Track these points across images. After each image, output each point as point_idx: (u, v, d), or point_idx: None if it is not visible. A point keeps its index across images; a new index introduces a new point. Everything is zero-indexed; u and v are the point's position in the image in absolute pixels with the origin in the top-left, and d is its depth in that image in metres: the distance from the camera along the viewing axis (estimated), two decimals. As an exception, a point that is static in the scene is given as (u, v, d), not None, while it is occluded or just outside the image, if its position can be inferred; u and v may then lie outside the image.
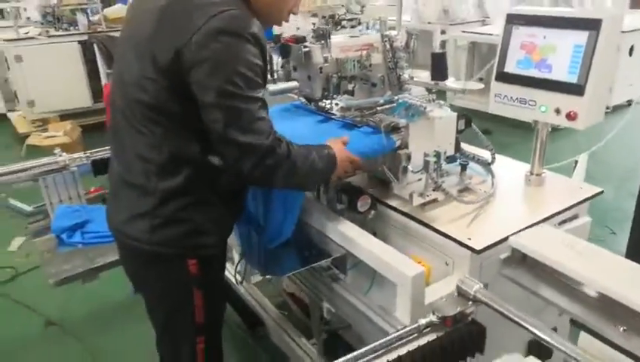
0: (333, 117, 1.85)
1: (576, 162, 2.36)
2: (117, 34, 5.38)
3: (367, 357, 1.00)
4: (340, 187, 1.72)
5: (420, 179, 1.67)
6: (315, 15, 4.85)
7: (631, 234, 2.42)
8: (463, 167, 1.81)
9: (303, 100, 2.05)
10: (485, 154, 1.92)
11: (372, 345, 1.03)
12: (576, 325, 1.18)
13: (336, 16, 4.83)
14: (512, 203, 1.77)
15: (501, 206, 1.72)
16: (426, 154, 1.55)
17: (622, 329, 1.10)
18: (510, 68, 1.74)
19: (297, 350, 2.02)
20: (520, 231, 1.51)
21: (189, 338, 1.53)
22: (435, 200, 1.67)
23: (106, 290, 2.58)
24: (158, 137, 1.33)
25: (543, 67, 1.66)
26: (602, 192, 1.81)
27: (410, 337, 1.05)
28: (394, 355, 1.00)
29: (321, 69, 1.77)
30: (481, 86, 1.90)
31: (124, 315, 2.69)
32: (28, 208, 2.27)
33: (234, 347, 2.51)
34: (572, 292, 1.22)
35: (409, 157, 1.61)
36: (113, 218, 1.50)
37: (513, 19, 1.71)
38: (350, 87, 1.96)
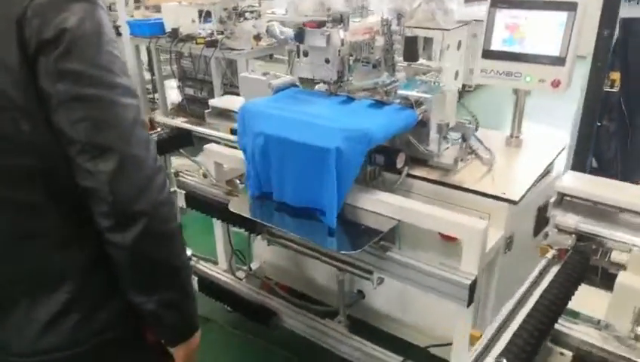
0: (355, 97, 1.91)
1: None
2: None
3: (528, 292, 1.14)
4: (373, 150, 1.79)
5: (447, 148, 1.85)
6: (201, 11, 4.72)
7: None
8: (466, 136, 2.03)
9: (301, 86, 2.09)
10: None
11: (525, 285, 1.17)
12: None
13: (239, 9, 4.81)
14: (509, 161, 2.05)
15: (502, 165, 1.99)
16: (460, 123, 1.73)
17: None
18: (496, 46, 2.00)
19: (327, 330, 2.05)
20: (537, 181, 1.80)
21: None
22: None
23: None
24: None
25: (526, 43, 1.95)
26: (564, 148, 2.20)
27: (544, 269, 1.23)
28: (543, 286, 1.17)
29: (339, 51, 1.84)
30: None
31: None
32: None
33: (227, 345, 2.46)
34: (615, 219, 1.51)
35: (448, 126, 1.77)
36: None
37: (497, 3, 1.97)
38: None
